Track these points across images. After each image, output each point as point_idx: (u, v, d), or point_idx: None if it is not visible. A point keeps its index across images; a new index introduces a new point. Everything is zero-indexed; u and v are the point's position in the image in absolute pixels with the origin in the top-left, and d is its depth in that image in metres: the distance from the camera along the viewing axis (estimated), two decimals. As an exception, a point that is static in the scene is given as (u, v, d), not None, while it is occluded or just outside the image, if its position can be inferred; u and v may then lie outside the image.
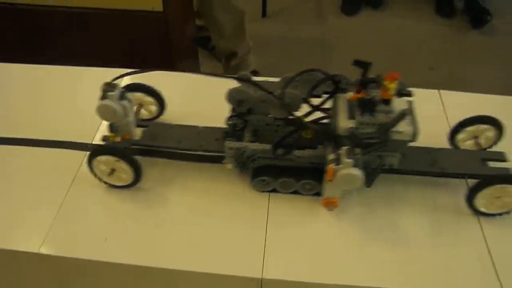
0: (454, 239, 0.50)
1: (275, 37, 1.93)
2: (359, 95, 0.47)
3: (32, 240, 0.49)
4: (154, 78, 0.56)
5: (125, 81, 0.56)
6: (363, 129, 0.47)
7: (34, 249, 0.48)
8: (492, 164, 0.53)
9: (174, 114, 0.59)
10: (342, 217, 0.51)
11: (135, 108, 0.58)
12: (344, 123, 0.47)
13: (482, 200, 0.51)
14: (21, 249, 0.49)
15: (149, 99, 0.58)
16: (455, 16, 2.10)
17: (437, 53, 1.81)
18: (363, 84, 0.48)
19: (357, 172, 0.45)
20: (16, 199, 0.53)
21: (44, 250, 0.48)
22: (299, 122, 0.49)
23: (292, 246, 0.49)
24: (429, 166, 0.52)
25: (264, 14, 2.06)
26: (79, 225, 0.51)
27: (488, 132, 0.56)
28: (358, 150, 0.46)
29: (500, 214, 0.51)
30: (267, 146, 0.50)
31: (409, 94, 0.51)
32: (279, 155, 0.50)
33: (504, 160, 0.54)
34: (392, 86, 0.46)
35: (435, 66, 1.62)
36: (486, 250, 0.49)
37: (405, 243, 0.49)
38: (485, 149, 0.56)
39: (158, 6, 1.07)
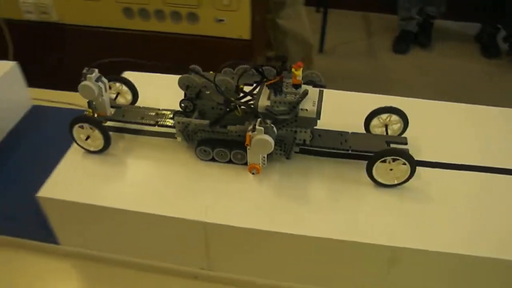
0: (351, 203, 0.61)
1: (331, 70, 2.09)
2: (273, 80, 0.60)
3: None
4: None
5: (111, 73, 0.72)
6: (277, 107, 0.60)
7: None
8: (393, 146, 0.65)
9: (144, 102, 0.74)
10: (263, 180, 0.63)
11: (114, 95, 0.73)
12: (263, 102, 0.60)
13: (378, 171, 0.62)
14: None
15: (125, 89, 0.73)
16: (500, 57, 2.21)
17: (481, 91, 1.90)
18: (280, 72, 0.61)
19: (267, 138, 0.57)
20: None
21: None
22: (230, 103, 0.62)
23: (227, 197, 0.61)
24: (339, 144, 0.64)
25: (321, 49, 2.23)
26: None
27: (397, 123, 0.67)
28: (269, 121, 0.58)
29: (395, 185, 0.62)
30: (206, 122, 0.63)
31: (324, 86, 0.64)
32: (215, 129, 0.64)
33: (405, 143, 0.65)
34: (298, 72, 0.59)
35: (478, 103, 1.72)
36: (379, 213, 0.60)
37: (309, 203, 0.61)
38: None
39: (246, 35, 1.25)
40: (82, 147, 0.67)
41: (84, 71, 0.64)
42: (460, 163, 0.66)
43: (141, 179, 0.65)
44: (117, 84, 0.73)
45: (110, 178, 0.65)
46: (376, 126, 0.68)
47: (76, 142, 0.67)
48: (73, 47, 1.38)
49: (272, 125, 0.59)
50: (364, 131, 0.68)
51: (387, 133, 0.67)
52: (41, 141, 0.83)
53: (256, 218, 0.59)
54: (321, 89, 0.63)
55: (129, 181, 0.65)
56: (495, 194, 0.62)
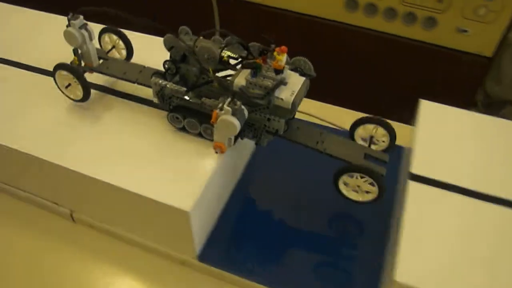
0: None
1: None
2: (251, 60, 0.56)
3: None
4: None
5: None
6: (252, 89, 0.56)
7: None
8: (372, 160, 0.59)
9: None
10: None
11: (110, 47, 0.72)
12: (239, 81, 0.57)
13: (345, 185, 0.57)
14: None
15: (121, 43, 0.71)
16: None
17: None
18: (263, 53, 0.57)
19: (233, 120, 0.54)
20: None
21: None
22: (205, 73, 0.59)
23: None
24: (315, 143, 0.60)
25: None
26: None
27: (383, 137, 0.62)
28: (239, 102, 0.55)
29: (362, 203, 0.58)
30: (182, 89, 0.61)
31: (312, 76, 0.60)
32: (190, 98, 0.61)
33: (385, 162, 0.59)
34: (280, 57, 0.55)
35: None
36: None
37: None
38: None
39: (488, 52, 1.08)
40: (63, 93, 0.66)
41: (69, 16, 0.63)
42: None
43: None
44: (115, 37, 0.71)
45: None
46: (361, 135, 0.63)
47: (58, 87, 0.66)
48: (277, 32, 1.21)
49: (244, 107, 0.55)
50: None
51: (370, 144, 0.62)
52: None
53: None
54: (306, 79, 0.59)
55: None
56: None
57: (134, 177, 0.58)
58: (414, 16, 1.08)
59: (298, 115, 0.62)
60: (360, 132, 0.63)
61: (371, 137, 0.62)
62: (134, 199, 0.57)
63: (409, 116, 0.76)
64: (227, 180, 0.67)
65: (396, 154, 0.72)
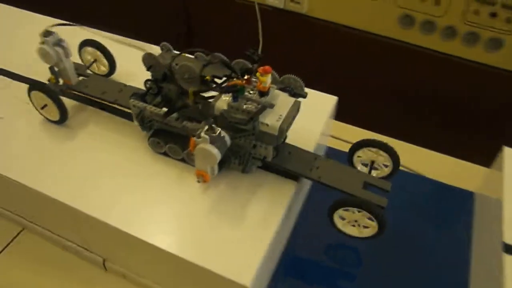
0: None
1: None
2: (233, 82, 0.50)
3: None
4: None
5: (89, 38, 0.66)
6: (233, 114, 0.50)
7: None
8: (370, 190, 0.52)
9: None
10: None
11: (92, 61, 0.67)
12: (220, 104, 0.51)
13: (339, 218, 0.51)
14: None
15: (102, 57, 0.66)
16: None
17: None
18: (246, 73, 0.51)
19: (211, 149, 0.48)
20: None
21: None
22: (183, 94, 0.53)
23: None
24: (308, 171, 0.53)
25: None
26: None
27: (385, 162, 0.55)
28: (218, 129, 0.49)
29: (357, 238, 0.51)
30: (161, 111, 0.55)
31: (303, 96, 0.53)
32: (170, 121, 0.55)
33: (387, 191, 0.52)
34: (263, 78, 0.48)
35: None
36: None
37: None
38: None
39: None
40: (40, 113, 0.62)
41: (43, 33, 0.58)
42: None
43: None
44: (96, 51, 0.66)
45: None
46: (361, 160, 0.56)
47: (35, 107, 0.62)
48: (321, 45, 1.12)
49: (225, 133, 0.50)
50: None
51: (370, 171, 0.55)
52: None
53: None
54: (298, 100, 0.52)
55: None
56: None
57: (186, 242, 0.50)
58: (477, 36, 0.95)
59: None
60: (360, 154, 0.56)
61: (372, 162, 0.56)
62: (186, 266, 0.49)
63: (474, 152, 0.70)
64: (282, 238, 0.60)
65: (468, 200, 0.67)
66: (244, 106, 0.50)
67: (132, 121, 0.59)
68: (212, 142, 0.49)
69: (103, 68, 0.67)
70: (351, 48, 1.07)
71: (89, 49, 0.65)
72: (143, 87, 0.58)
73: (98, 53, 0.65)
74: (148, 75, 0.57)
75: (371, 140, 0.55)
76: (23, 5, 0.85)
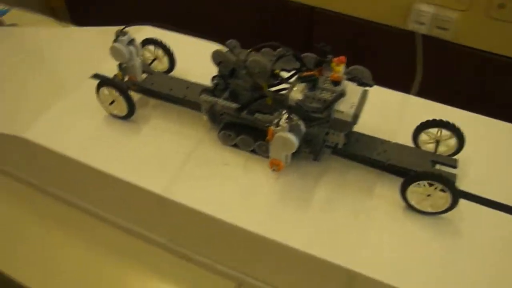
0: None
1: None
2: (309, 73, 0.53)
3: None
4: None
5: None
6: (309, 103, 0.53)
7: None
8: (439, 167, 0.56)
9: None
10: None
11: (152, 60, 0.69)
12: (295, 95, 0.54)
13: (413, 195, 0.54)
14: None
15: (163, 55, 0.69)
16: None
17: None
18: (319, 64, 0.54)
19: (290, 136, 0.51)
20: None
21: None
22: (259, 89, 0.56)
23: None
24: (376, 154, 0.56)
25: None
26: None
27: (450, 140, 0.58)
28: (296, 117, 0.52)
29: (432, 214, 0.54)
30: (234, 105, 0.58)
31: (370, 85, 0.56)
32: (243, 115, 0.58)
33: (454, 167, 0.55)
34: (338, 68, 0.51)
35: None
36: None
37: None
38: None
39: None
40: (106, 110, 0.65)
41: (117, 33, 0.61)
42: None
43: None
44: (156, 49, 0.69)
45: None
46: (426, 141, 0.59)
47: (101, 103, 0.64)
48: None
49: (301, 122, 0.52)
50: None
51: (436, 150, 0.58)
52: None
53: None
54: (365, 89, 0.55)
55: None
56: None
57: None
58: None
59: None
60: (424, 137, 0.59)
61: (437, 141, 0.58)
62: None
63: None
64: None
65: None
66: (320, 95, 0.52)
67: (197, 110, 0.62)
68: (290, 130, 0.51)
69: (161, 66, 0.70)
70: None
71: (150, 47, 0.68)
72: (202, 83, 0.62)
73: (160, 51, 0.68)
74: (203, 71, 0.60)
75: (434, 120, 0.57)
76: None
